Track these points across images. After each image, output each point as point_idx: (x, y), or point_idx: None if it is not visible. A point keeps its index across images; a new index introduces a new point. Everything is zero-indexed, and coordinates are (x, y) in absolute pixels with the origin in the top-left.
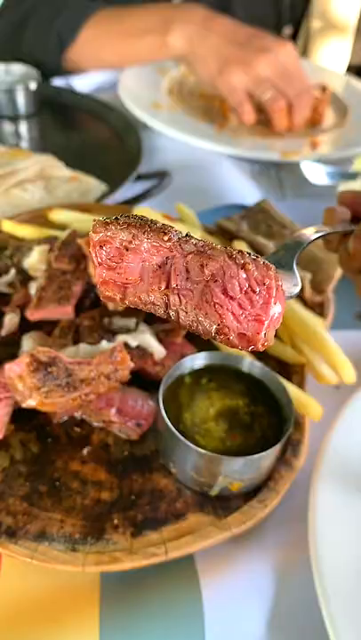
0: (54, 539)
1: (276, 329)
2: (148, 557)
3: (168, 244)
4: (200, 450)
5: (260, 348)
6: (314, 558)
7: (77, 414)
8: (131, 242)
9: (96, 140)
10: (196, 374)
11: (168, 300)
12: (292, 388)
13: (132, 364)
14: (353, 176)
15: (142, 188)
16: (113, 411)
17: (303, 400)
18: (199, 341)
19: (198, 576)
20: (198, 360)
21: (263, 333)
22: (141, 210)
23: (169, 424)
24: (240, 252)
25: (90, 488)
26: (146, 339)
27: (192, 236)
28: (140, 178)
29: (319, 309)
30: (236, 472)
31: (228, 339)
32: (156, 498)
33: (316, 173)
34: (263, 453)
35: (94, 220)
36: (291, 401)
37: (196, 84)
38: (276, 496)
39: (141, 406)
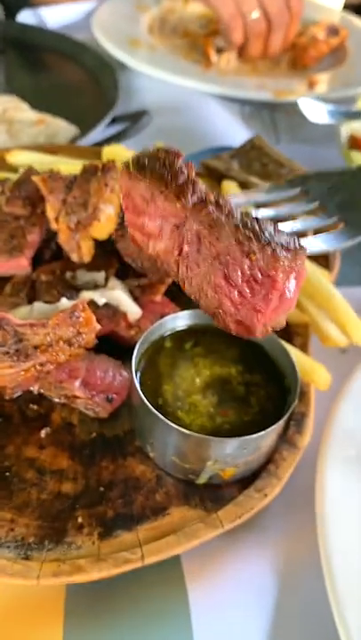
0: (2, 544)
1: (286, 314)
2: (119, 565)
3: (181, 210)
4: (184, 430)
5: (259, 336)
6: (323, 555)
7: (34, 389)
8: (149, 199)
9: (68, 81)
10: (179, 337)
11: (178, 267)
12: (295, 352)
13: (98, 327)
14: (357, 115)
15: (118, 130)
16: (77, 383)
17: (309, 366)
18: (183, 300)
19: (185, 579)
20: (181, 320)
21: (263, 324)
22: (112, 149)
23: (145, 399)
24: (253, 234)
25: (48, 479)
26: (117, 296)
27: (210, 202)
28: (115, 121)
29: (323, 261)
30: (229, 456)
31: (226, 323)
32: (130, 489)
33: (316, 111)
34: (262, 432)
35: (122, 164)
36: (295, 367)
37: (179, 21)
38: (278, 482)
39: (112, 377)
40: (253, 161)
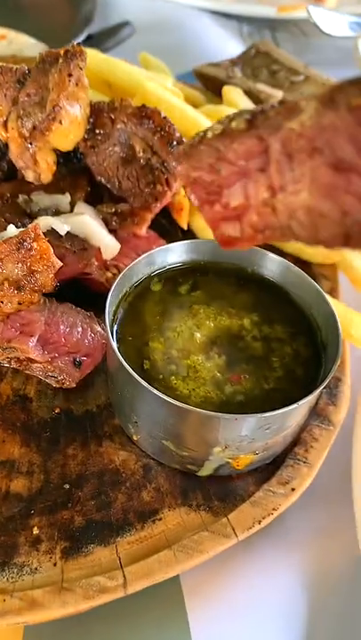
0: None
1: None
2: (91, 596)
3: (258, 139)
4: (180, 404)
5: None
6: None
7: None
8: (217, 159)
9: None
10: (172, 278)
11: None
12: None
13: (59, 263)
14: None
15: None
16: (32, 342)
17: (343, 316)
18: (177, 235)
19: (184, 604)
20: (174, 254)
21: None
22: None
23: (124, 362)
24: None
25: None
26: (85, 222)
27: (267, 108)
28: (90, 38)
29: None
30: (245, 439)
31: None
32: (106, 485)
33: (330, 23)
34: (291, 407)
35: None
36: (335, 315)
37: None
38: (309, 472)
39: (81, 334)
40: (260, 68)
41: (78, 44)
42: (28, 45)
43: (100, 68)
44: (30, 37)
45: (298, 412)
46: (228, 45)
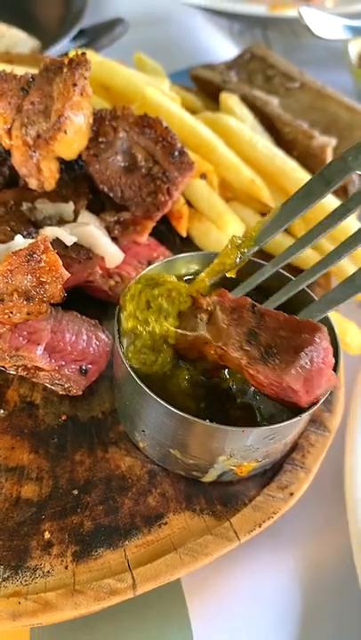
0: None
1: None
2: (103, 597)
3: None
4: (189, 417)
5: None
6: (358, 558)
7: None
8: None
9: None
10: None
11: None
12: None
13: (66, 274)
14: None
15: (85, 42)
16: (39, 350)
17: (340, 325)
18: (174, 243)
19: (185, 602)
20: (184, 264)
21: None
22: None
23: (135, 375)
24: (251, 358)
25: (3, 480)
26: (90, 232)
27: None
28: (83, 33)
29: (343, 194)
30: (250, 449)
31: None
32: (114, 491)
33: (322, 25)
34: (297, 418)
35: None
36: (333, 326)
37: None
38: (306, 476)
39: (86, 342)
40: (255, 73)
41: (83, 53)
42: (19, 40)
43: (98, 71)
44: (21, 31)
45: (302, 421)
46: (218, 43)
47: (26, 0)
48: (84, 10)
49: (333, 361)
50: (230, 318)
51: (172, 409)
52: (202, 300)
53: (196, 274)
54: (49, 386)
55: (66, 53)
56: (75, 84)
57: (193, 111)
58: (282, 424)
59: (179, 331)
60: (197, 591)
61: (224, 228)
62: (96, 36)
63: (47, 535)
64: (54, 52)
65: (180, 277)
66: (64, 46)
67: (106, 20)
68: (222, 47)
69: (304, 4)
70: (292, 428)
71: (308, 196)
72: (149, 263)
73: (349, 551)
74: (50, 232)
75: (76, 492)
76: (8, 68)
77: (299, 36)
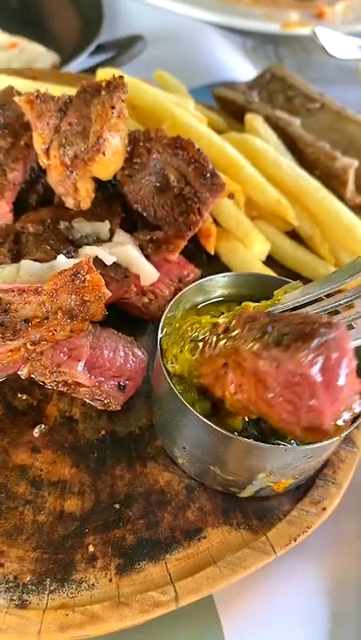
0: None
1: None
2: (147, 609)
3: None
4: (232, 436)
5: (335, 435)
6: None
7: (22, 373)
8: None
9: (45, 1)
10: (215, 308)
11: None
12: None
13: (108, 293)
14: None
15: (106, 58)
16: (79, 367)
17: None
18: (202, 260)
19: (217, 612)
20: (221, 285)
21: (329, 421)
22: (107, 72)
23: (179, 394)
24: (264, 343)
25: (46, 494)
26: (128, 253)
27: (223, 336)
28: (101, 48)
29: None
30: (289, 467)
31: (299, 435)
32: (154, 505)
33: (335, 44)
34: (336, 438)
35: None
36: None
37: None
38: (338, 492)
39: (124, 358)
40: (276, 93)
41: (121, 76)
42: (39, 54)
43: None
44: (41, 46)
45: (338, 441)
46: (232, 59)
47: (43, 13)
48: (101, 24)
49: (355, 364)
50: (245, 324)
51: (215, 427)
52: (220, 320)
53: (227, 296)
54: (88, 401)
55: (92, 70)
56: (113, 107)
57: (217, 130)
58: (321, 444)
59: (195, 357)
60: (229, 602)
61: (250, 247)
62: (115, 52)
63: (91, 549)
64: (74, 66)
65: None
66: (83, 61)
67: (124, 37)
68: (236, 64)
69: (315, 21)
70: (330, 446)
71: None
72: (180, 280)
73: None
74: (90, 251)
75: (117, 506)
76: (37, 85)
77: (310, 54)
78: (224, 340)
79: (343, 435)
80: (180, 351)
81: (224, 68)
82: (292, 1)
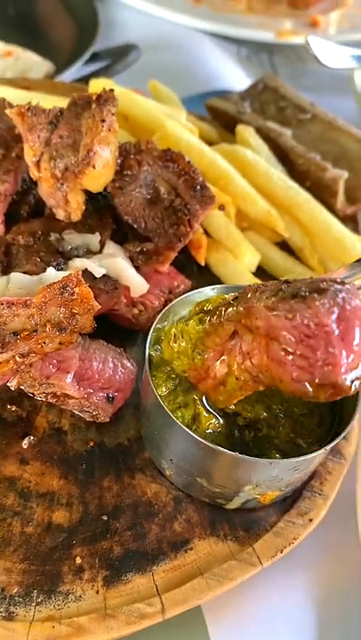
0: None
1: None
2: (133, 621)
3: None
4: (220, 449)
5: (351, 391)
6: None
7: (11, 384)
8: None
9: (38, 10)
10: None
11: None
12: None
13: (97, 306)
14: None
15: (100, 67)
16: (68, 378)
17: None
18: (192, 271)
19: (205, 621)
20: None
21: (345, 377)
22: (100, 83)
23: (167, 408)
24: (281, 297)
25: (35, 505)
26: (118, 265)
27: (239, 295)
28: (96, 57)
29: (352, 224)
30: (275, 479)
31: (312, 394)
32: (141, 517)
33: (329, 54)
34: (321, 451)
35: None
36: None
37: None
38: (324, 503)
39: (113, 369)
40: (267, 104)
41: (111, 90)
42: (33, 63)
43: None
44: (35, 54)
45: (325, 453)
46: (227, 68)
47: (39, 21)
48: (96, 32)
49: None
50: (256, 291)
51: (202, 440)
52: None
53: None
54: (77, 413)
55: (87, 79)
56: (103, 120)
57: (209, 141)
58: (307, 456)
59: (204, 326)
60: (217, 611)
61: (241, 258)
62: (110, 60)
63: (78, 560)
64: (68, 75)
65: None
66: (78, 69)
67: (119, 45)
68: (231, 72)
69: (309, 29)
70: (316, 459)
71: None
72: (170, 291)
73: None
74: (80, 264)
75: (105, 517)
76: (30, 95)
77: (304, 62)
78: (235, 307)
79: (331, 445)
80: (187, 324)
81: (218, 76)
82: (286, 10)
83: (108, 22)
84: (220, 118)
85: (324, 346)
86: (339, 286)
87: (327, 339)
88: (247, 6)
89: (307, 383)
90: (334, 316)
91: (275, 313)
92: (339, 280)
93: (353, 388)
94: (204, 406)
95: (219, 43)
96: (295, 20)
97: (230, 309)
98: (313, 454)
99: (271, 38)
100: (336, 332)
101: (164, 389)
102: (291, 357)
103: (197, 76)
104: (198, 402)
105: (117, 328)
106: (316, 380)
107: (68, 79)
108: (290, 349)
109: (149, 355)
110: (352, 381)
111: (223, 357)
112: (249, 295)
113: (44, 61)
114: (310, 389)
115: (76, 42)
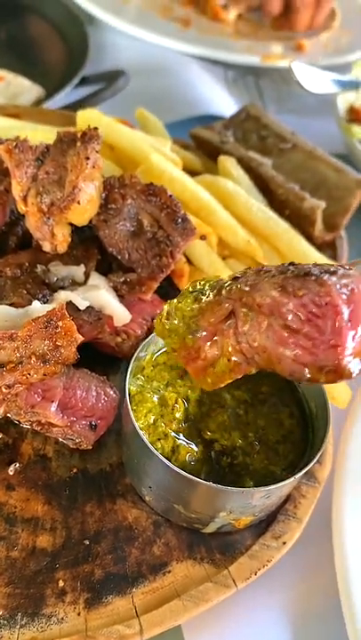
0: None
1: None
2: None
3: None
4: (194, 478)
5: (353, 375)
6: (346, 602)
7: None
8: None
9: (30, 34)
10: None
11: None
12: None
13: (80, 338)
14: (357, 85)
15: (89, 92)
16: (53, 407)
17: None
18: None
19: (182, 633)
20: None
21: (348, 360)
22: (88, 115)
23: (146, 439)
24: (290, 275)
25: (19, 530)
26: (101, 297)
27: (240, 275)
28: (85, 81)
29: (331, 251)
30: (248, 505)
31: (311, 377)
32: (122, 541)
33: (311, 79)
34: (291, 479)
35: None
36: (322, 388)
37: None
38: (298, 526)
39: (95, 398)
40: (250, 132)
41: (95, 128)
42: (24, 88)
43: (104, 132)
44: (26, 79)
45: (296, 480)
46: (214, 91)
47: (29, 44)
48: (86, 57)
49: None
50: (259, 272)
51: (179, 471)
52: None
53: None
54: (61, 440)
55: (69, 106)
56: (87, 158)
57: (193, 170)
58: (278, 485)
59: (200, 305)
60: (196, 631)
61: None
62: (99, 85)
63: (61, 583)
64: (58, 99)
65: None
66: (67, 94)
67: (107, 71)
68: (218, 96)
69: (295, 53)
70: (288, 486)
71: None
72: (153, 319)
73: (336, 593)
74: (64, 296)
75: (87, 542)
76: (19, 124)
77: (290, 85)
78: (236, 285)
79: (301, 473)
80: (180, 302)
81: (206, 100)
82: (272, 33)
83: (98, 46)
84: (204, 147)
85: (330, 327)
86: (349, 270)
87: (336, 319)
88: (235, 30)
89: (306, 366)
90: (345, 297)
91: (281, 290)
92: (347, 266)
93: (354, 374)
94: (180, 439)
95: (206, 66)
96: (282, 44)
97: (233, 286)
98: (283, 482)
99: (257, 62)
100: (346, 313)
101: (143, 422)
102: (294, 337)
103: (186, 99)
104: (174, 435)
105: (101, 355)
106: (319, 363)
107: (58, 103)
108: (295, 327)
109: (129, 389)
110: (352, 367)
111: (216, 338)
112: (252, 275)
113: (34, 86)
114: (310, 372)
115: (66, 66)
